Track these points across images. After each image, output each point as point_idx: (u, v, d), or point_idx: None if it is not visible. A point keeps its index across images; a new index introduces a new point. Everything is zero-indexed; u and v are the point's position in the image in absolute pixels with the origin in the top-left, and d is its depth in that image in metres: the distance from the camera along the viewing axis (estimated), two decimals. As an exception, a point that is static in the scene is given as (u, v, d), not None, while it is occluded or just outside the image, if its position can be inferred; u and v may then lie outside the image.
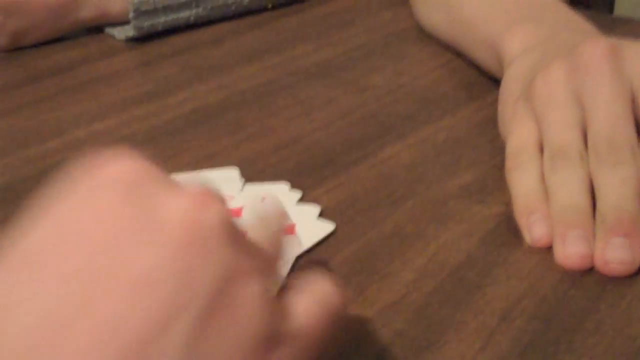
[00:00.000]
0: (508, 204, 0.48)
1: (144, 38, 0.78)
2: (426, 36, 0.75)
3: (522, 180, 0.46)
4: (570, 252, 0.42)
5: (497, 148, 0.54)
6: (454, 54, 0.70)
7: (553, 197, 0.44)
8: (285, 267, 0.42)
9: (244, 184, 0.51)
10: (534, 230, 0.44)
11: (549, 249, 0.43)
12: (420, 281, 0.42)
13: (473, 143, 0.55)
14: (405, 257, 0.44)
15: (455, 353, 0.37)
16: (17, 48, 0.78)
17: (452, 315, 0.39)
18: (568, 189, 0.44)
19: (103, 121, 0.62)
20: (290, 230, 0.45)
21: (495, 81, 0.63)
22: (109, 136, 0.59)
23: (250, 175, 0.52)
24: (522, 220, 0.45)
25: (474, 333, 0.38)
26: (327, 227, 0.46)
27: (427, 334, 0.38)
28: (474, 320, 0.39)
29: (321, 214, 0.48)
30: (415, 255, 0.44)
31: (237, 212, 0.47)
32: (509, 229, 0.46)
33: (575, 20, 0.60)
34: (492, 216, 0.47)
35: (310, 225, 0.46)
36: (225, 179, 0.52)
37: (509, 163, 0.48)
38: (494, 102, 0.60)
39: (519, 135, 0.49)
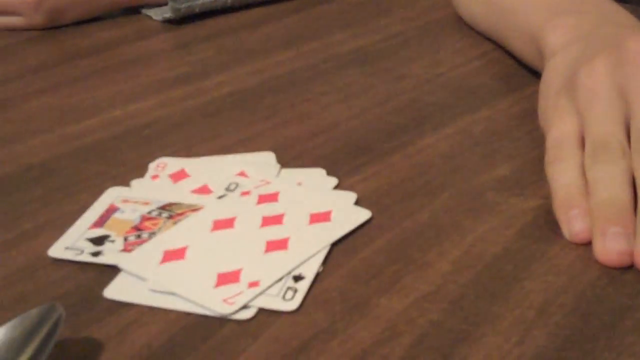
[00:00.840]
0: (546, 197, 0.47)
1: (181, 20, 0.78)
2: (464, 26, 0.74)
3: (562, 174, 0.46)
4: (609, 248, 0.42)
5: (535, 140, 0.53)
6: (493, 45, 0.70)
7: (593, 191, 0.44)
8: (321, 254, 0.42)
9: (279, 169, 0.51)
10: (573, 225, 0.44)
11: (587, 244, 0.43)
12: (457, 272, 0.41)
13: (511, 135, 0.55)
14: (441, 248, 0.43)
15: (491, 346, 0.36)
16: (54, 27, 0.78)
17: (489, 307, 0.39)
18: (609, 183, 0.44)
19: (139, 101, 0.62)
20: (326, 216, 0.45)
21: (534, 73, 0.62)
22: (145, 116, 0.59)
23: (286, 160, 0.52)
24: (561, 215, 0.44)
25: (511, 326, 0.38)
26: (363, 214, 0.46)
27: (463, 325, 0.38)
28: (511, 314, 0.38)
29: (357, 202, 0.47)
30: (452, 246, 0.44)
31: (274, 197, 0.47)
32: (547, 222, 0.45)
33: (618, 13, 0.59)
34: (529, 209, 0.46)
35: (346, 212, 0.46)
36: (261, 164, 0.51)
37: (549, 156, 0.47)
38: (533, 95, 0.59)
39: (559, 128, 0.48)
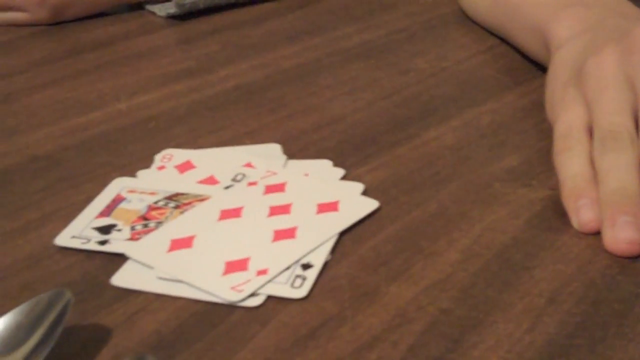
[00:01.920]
0: (555, 188, 0.47)
1: (184, 16, 0.78)
2: (469, 21, 0.74)
3: (571, 164, 0.46)
4: (619, 237, 0.42)
5: (542, 132, 0.53)
6: (498, 39, 0.70)
7: (603, 181, 0.44)
8: (329, 243, 0.42)
9: (286, 160, 0.50)
10: (582, 215, 0.43)
11: (597, 233, 0.43)
12: (466, 261, 0.41)
13: (518, 127, 0.55)
14: (450, 237, 0.43)
15: (502, 333, 0.36)
16: (59, 22, 0.78)
17: (499, 296, 0.39)
18: (618, 173, 0.43)
19: (144, 95, 0.62)
20: (333, 206, 0.45)
21: (540, 67, 0.62)
22: (150, 109, 0.59)
23: (292, 152, 0.52)
24: (570, 205, 0.44)
25: (521, 314, 0.37)
26: (371, 204, 0.45)
27: (473, 313, 0.38)
28: (521, 302, 0.38)
29: (364, 193, 0.47)
30: (460, 235, 0.43)
31: (281, 187, 0.47)
32: (555, 212, 0.45)
33: (622, 4, 0.59)
34: (538, 199, 0.46)
35: (354, 202, 0.46)
36: (268, 155, 0.51)
37: (557, 146, 0.47)
38: (539, 88, 0.59)
39: (567, 118, 0.48)
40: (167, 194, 0.47)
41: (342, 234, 0.43)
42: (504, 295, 0.39)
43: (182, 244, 0.42)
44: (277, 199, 0.46)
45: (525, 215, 0.45)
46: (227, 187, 0.47)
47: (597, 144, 0.45)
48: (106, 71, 0.67)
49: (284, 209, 0.45)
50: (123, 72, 0.66)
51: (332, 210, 0.45)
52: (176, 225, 0.44)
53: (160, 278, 0.40)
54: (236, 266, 0.40)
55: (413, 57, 0.67)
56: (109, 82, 0.65)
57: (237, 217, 0.44)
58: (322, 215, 0.44)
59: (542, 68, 0.63)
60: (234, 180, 0.48)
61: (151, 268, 0.41)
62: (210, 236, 0.43)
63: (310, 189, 0.47)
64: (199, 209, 0.45)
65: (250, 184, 0.47)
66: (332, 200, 0.45)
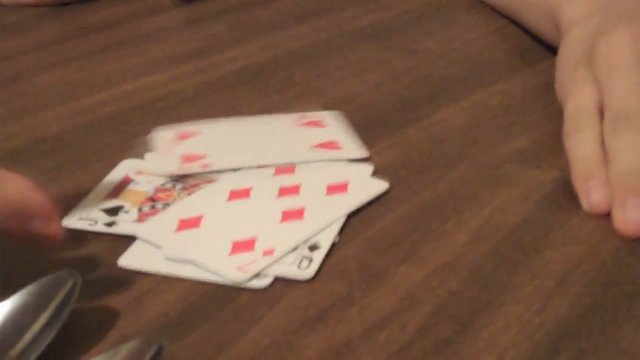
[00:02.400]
0: (564, 169, 0.46)
1: (192, -4, 0.78)
2: (478, 2, 0.74)
3: (581, 145, 0.45)
4: (629, 218, 0.41)
5: (552, 114, 0.53)
6: (507, 20, 0.69)
7: (613, 161, 0.43)
8: (337, 224, 0.42)
9: (295, 141, 0.50)
10: (592, 196, 0.43)
11: (607, 215, 0.42)
12: (475, 243, 0.41)
13: (527, 108, 0.54)
14: (459, 219, 0.43)
15: (512, 315, 0.36)
16: (65, 3, 0.78)
17: (509, 277, 0.38)
18: (629, 153, 0.43)
19: (151, 76, 0.62)
20: (343, 187, 0.45)
21: (549, 48, 0.62)
22: (157, 90, 0.59)
23: (301, 133, 0.52)
24: (579, 186, 0.44)
25: (531, 296, 0.37)
26: (380, 185, 0.45)
27: (482, 294, 0.37)
28: (531, 283, 0.38)
29: (374, 174, 0.47)
30: (470, 216, 0.43)
31: (291, 169, 0.46)
32: (565, 193, 0.45)
33: None
34: (547, 181, 0.46)
35: (363, 183, 0.45)
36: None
37: (567, 127, 0.47)
38: (549, 69, 0.58)
39: (578, 99, 0.47)
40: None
41: (351, 215, 0.43)
42: (514, 277, 0.38)
43: (190, 223, 0.42)
44: (286, 180, 0.45)
45: (535, 197, 0.45)
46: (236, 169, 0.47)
47: (607, 124, 0.45)
48: (113, 52, 0.67)
49: (293, 190, 0.45)
50: (130, 53, 0.66)
51: (342, 191, 0.44)
52: (185, 205, 0.44)
53: (168, 259, 0.40)
54: (243, 246, 0.40)
55: (422, 38, 0.67)
56: (116, 63, 0.64)
57: (246, 198, 0.44)
58: (331, 197, 0.44)
59: (551, 49, 0.63)
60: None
61: (158, 248, 0.40)
62: (218, 216, 0.43)
63: (320, 170, 0.47)
64: (208, 189, 0.45)
65: (261, 166, 0.47)
66: (342, 181, 0.45)
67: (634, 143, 0.43)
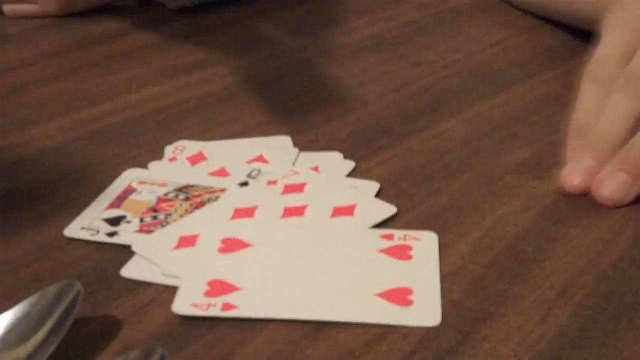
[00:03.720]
0: (566, 181, 0.47)
1: (194, 9, 0.78)
2: (480, 14, 0.74)
3: (591, 96, 0.45)
4: (573, 174, 0.42)
5: (553, 125, 0.53)
6: (509, 32, 0.69)
7: (600, 117, 0.43)
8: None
9: (298, 153, 0.50)
10: (571, 169, 0.44)
11: (609, 228, 0.43)
12: (477, 254, 0.41)
13: (529, 120, 0.55)
14: (461, 230, 0.43)
15: (513, 326, 0.36)
16: (69, 14, 0.78)
17: (510, 288, 0.38)
18: (613, 116, 0.43)
19: (154, 87, 0.62)
20: (349, 210, 0.44)
21: (552, 61, 0.62)
22: (160, 101, 0.59)
23: (303, 144, 0.52)
24: (570, 140, 0.44)
25: (533, 307, 0.37)
26: (388, 209, 0.44)
27: (484, 305, 0.37)
28: (532, 294, 0.38)
29: (380, 192, 0.46)
30: (471, 228, 0.43)
31: (300, 188, 0.46)
32: (567, 205, 0.45)
33: None
34: (549, 193, 0.46)
35: (371, 207, 0.45)
36: (279, 147, 0.51)
37: (589, 71, 0.46)
38: (551, 81, 0.59)
39: (609, 43, 0.46)
40: (178, 186, 0.47)
41: (353, 226, 0.43)
42: (515, 288, 0.38)
43: (189, 242, 0.42)
44: (293, 200, 0.45)
45: (536, 208, 0.45)
46: (243, 184, 0.47)
47: (619, 79, 0.44)
48: (116, 64, 0.67)
49: (298, 211, 0.44)
50: (133, 65, 0.66)
51: (348, 214, 0.44)
52: (187, 223, 0.43)
53: (166, 276, 0.40)
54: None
55: (424, 50, 0.67)
56: (119, 75, 0.65)
57: (250, 218, 0.44)
58: (337, 220, 0.44)
59: (554, 61, 0.63)
60: (249, 176, 0.48)
61: (156, 265, 0.40)
62: (217, 236, 0.42)
63: (327, 190, 0.46)
64: (212, 206, 0.45)
65: (271, 182, 0.47)
66: (349, 204, 0.45)
67: (623, 109, 0.43)
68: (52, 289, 0.35)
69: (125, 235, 0.43)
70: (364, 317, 0.36)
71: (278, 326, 0.36)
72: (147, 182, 0.47)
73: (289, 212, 0.44)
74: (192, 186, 0.47)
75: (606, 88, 0.45)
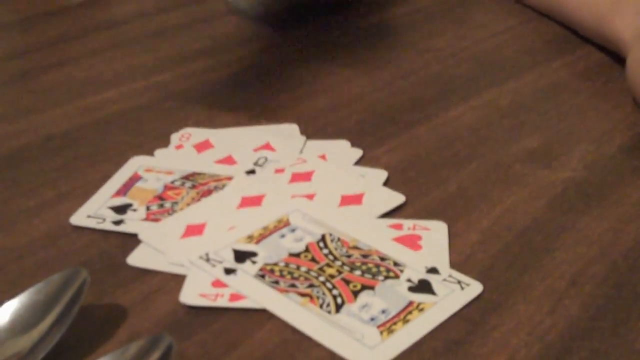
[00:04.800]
0: (575, 169, 0.46)
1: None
2: (487, 1, 0.73)
3: None
4: None
5: (563, 113, 0.53)
6: (518, 20, 0.69)
7: None
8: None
9: (305, 141, 0.50)
10: None
11: (620, 217, 0.42)
12: (486, 243, 0.41)
13: (538, 108, 0.54)
14: (469, 218, 0.43)
15: (523, 315, 0.36)
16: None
17: (519, 277, 0.38)
18: None
19: (160, 74, 0.61)
20: (358, 199, 0.44)
21: (561, 48, 0.62)
22: (165, 88, 0.59)
23: (310, 132, 0.51)
24: None
25: (542, 296, 0.37)
26: (396, 198, 0.44)
27: (493, 295, 0.37)
28: (542, 284, 0.38)
29: (388, 180, 0.46)
30: (480, 216, 0.43)
31: (308, 176, 0.46)
32: (576, 194, 0.44)
33: None
34: (559, 181, 0.46)
35: (379, 195, 0.44)
36: (286, 135, 0.51)
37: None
38: (560, 68, 0.58)
39: None
40: (184, 174, 0.47)
41: (361, 215, 0.43)
42: (525, 277, 0.38)
43: (196, 230, 0.42)
44: (301, 189, 0.45)
45: (546, 197, 0.44)
46: (249, 172, 0.47)
47: None
48: (122, 50, 0.67)
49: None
50: (139, 52, 0.66)
51: (356, 203, 0.44)
52: (193, 211, 0.43)
53: (173, 264, 0.39)
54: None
55: (431, 37, 0.67)
56: (125, 61, 0.64)
57: (257, 206, 0.43)
58: (345, 208, 0.43)
59: (563, 49, 0.63)
60: (256, 164, 0.47)
61: (162, 253, 0.40)
62: (224, 224, 0.42)
63: (335, 178, 0.46)
64: (220, 194, 0.44)
65: (278, 170, 0.47)
66: (357, 192, 0.44)
67: None
68: (58, 277, 0.35)
69: (132, 223, 0.42)
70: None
71: (285, 315, 0.36)
72: (153, 169, 0.47)
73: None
74: (199, 174, 0.47)
75: None
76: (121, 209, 0.44)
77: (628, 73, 0.52)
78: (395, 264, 0.38)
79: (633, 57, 0.52)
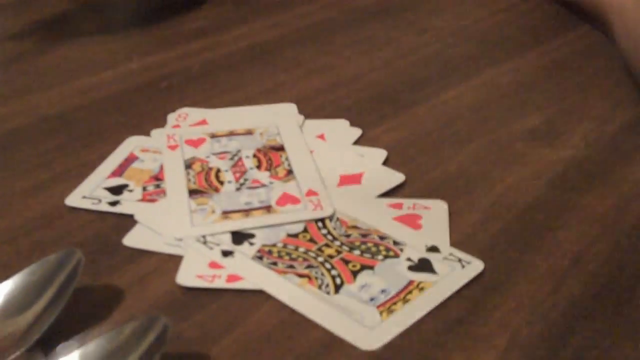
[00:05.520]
0: (577, 148, 0.46)
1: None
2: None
3: None
4: None
5: (563, 92, 0.52)
6: (518, -2, 0.68)
7: None
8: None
9: (303, 120, 0.49)
10: None
11: (622, 196, 0.42)
12: (487, 222, 0.40)
13: (539, 86, 0.53)
14: (470, 198, 0.42)
15: (524, 295, 0.35)
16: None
17: (521, 257, 0.38)
18: None
19: (156, 54, 0.61)
20: (357, 178, 0.43)
21: (561, 26, 0.61)
22: (162, 69, 0.58)
23: (308, 112, 0.51)
24: None
25: (545, 275, 0.36)
26: (396, 177, 0.44)
27: (495, 274, 0.37)
28: (544, 263, 0.37)
29: (387, 159, 0.45)
30: (481, 195, 0.42)
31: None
32: (578, 172, 0.44)
33: None
34: (560, 160, 0.45)
35: (378, 174, 0.44)
36: (284, 114, 0.50)
37: None
38: (561, 47, 0.58)
39: None
40: (181, 154, 0.46)
41: (360, 194, 0.42)
42: (526, 257, 0.38)
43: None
44: None
45: (547, 176, 0.44)
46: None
47: None
48: (117, 31, 0.66)
49: None
50: (134, 32, 0.65)
51: (355, 182, 0.43)
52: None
53: (169, 244, 0.39)
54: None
55: (430, 16, 0.66)
56: (120, 42, 0.63)
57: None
58: (343, 188, 0.43)
59: (564, 27, 0.62)
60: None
61: (159, 234, 0.39)
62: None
63: (334, 158, 0.45)
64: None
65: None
66: (356, 172, 0.44)
67: None
68: (53, 258, 0.34)
69: (128, 204, 0.42)
70: (372, 286, 0.36)
71: (284, 295, 0.36)
72: (149, 149, 0.47)
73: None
74: (196, 154, 0.46)
75: None
76: (117, 190, 0.43)
77: (621, 38, 0.51)
78: (395, 242, 0.38)
79: (629, 17, 0.51)
